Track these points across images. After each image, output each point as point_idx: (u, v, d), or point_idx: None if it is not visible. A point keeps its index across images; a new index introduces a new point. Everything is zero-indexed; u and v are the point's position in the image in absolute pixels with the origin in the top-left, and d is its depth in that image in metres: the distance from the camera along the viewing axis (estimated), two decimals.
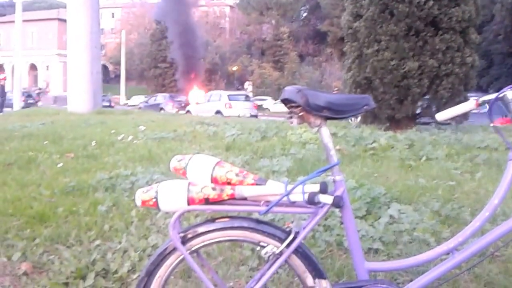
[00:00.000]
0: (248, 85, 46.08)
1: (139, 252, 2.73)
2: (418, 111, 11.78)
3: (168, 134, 7.90)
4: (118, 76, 57.06)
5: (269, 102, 39.04)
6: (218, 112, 23.46)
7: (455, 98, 10.51)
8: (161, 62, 51.80)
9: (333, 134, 7.65)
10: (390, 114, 11.15)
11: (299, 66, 51.96)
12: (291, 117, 1.59)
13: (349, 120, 12.86)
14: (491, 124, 1.69)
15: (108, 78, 62.03)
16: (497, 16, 37.80)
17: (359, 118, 12.41)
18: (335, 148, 6.11)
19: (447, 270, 1.60)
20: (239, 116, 21.04)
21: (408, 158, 5.89)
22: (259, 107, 31.23)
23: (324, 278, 1.57)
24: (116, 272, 2.57)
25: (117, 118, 11.89)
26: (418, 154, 6.11)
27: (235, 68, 54.18)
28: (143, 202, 1.60)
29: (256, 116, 24.29)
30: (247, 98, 27.39)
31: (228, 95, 25.28)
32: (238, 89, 46.44)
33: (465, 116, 11.15)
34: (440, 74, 10.71)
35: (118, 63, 56.34)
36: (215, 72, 53.62)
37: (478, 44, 11.61)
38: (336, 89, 32.83)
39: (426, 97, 11.43)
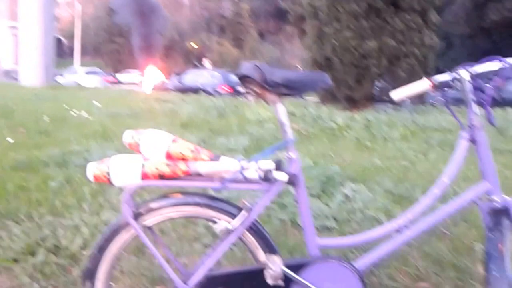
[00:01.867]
0: (206, 63, 45.67)
1: (91, 228, 2.69)
2: (376, 92, 11.94)
3: (124, 110, 7.78)
4: (72, 50, 55.59)
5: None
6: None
7: (413, 79, 10.63)
8: (117, 37, 50.55)
9: (292, 114, 7.68)
10: (349, 94, 11.26)
11: (259, 44, 51.76)
12: (247, 93, 1.57)
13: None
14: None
15: (62, 52, 60.32)
16: None
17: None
18: (293, 127, 6.15)
19: (396, 247, 1.63)
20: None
21: (364, 138, 5.98)
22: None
23: (276, 254, 1.58)
24: (67, 248, 2.53)
25: (71, 94, 11.62)
26: (374, 134, 6.21)
27: (194, 45, 53.55)
28: (96, 177, 1.56)
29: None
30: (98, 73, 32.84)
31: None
32: (196, 67, 45.97)
33: (421, 98, 11.38)
34: (399, 55, 10.83)
35: (72, 37, 54.82)
36: (173, 48, 52.86)
37: (438, 26, 11.77)
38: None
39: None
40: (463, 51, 38.35)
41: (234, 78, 20.38)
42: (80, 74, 30.99)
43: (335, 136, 6.13)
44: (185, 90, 19.76)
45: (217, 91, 20.26)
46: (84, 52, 53.57)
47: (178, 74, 25.04)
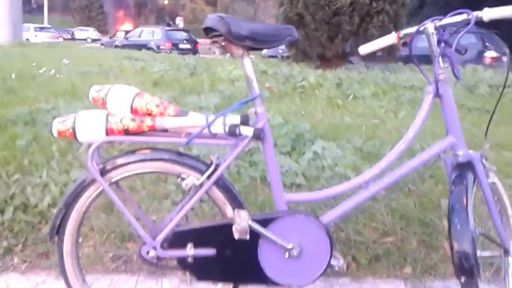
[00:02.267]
0: (179, 21, 44.86)
1: (60, 186, 2.67)
2: (348, 49, 11.91)
3: (93, 68, 7.64)
4: (40, 7, 54.00)
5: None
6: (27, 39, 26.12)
7: None
8: None
9: (264, 72, 7.64)
10: (321, 52, 11.21)
11: (232, 2, 50.98)
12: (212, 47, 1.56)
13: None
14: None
15: (30, 8, 58.55)
16: None
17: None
18: (265, 85, 6.11)
19: (361, 201, 1.66)
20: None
21: (336, 97, 5.99)
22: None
23: (243, 209, 1.59)
24: (36, 206, 2.52)
25: (40, 51, 11.35)
26: (345, 93, 6.23)
27: (166, 2, 52.47)
28: (60, 133, 1.54)
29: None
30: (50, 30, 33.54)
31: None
32: (168, 25, 45.15)
33: (393, 57, 11.41)
34: (371, 12, 10.77)
35: None
36: (144, 6, 51.74)
37: None
38: None
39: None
40: (434, 8, 38.31)
41: (175, 35, 23.58)
42: (30, 31, 31.31)
43: (306, 94, 6.13)
44: (130, 47, 20.18)
45: (159, 48, 21.26)
46: (52, 9, 52.12)
47: (126, 32, 26.36)
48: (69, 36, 40.18)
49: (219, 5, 49.19)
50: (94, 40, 34.23)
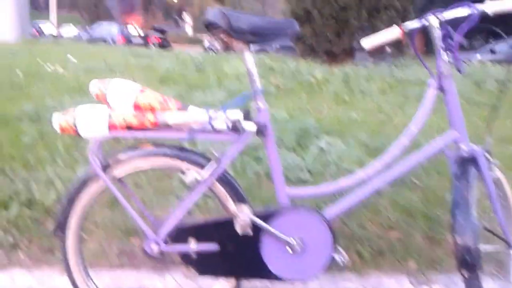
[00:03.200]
0: (186, 17, 44.84)
1: (65, 182, 2.67)
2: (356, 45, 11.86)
3: (99, 65, 7.64)
4: (46, 3, 54.18)
5: None
6: None
7: None
8: None
9: (270, 68, 7.62)
10: (328, 48, 11.18)
11: None
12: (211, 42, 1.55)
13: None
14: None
15: (37, 4, 58.74)
16: None
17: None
18: (272, 81, 6.09)
19: (365, 196, 1.65)
20: None
21: (343, 92, 5.95)
22: None
23: (245, 203, 1.59)
24: (41, 202, 2.53)
25: (46, 48, 11.36)
26: (352, 88, 6.19)
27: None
28: (62, 129, 1.55)
29: None
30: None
31: None
32: (175, 21, 45.18)
33: (400, 52, 11.35)
34: (379, 7, 10.74)
35: None
36: (152, 2, 51.76)
37: None
38: None
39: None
40: (444, 4, 38.06)
41: (129, 30, 27.38)
42: None
43: (313, 90, 6.09)
44: (93, 40, 24.01)
45: (114, 41, 24.52)
46: (60, 5, 52.28)
47: (89, 27, 29.95)
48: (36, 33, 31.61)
49: (226, 1, 49.07)
50: (55, 37, 32.98)
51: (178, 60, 8.39)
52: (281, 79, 6.69)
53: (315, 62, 10.04)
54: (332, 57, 11.29)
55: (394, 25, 1.71)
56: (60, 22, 44.03)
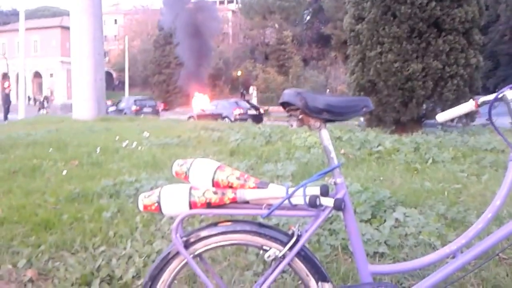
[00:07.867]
0: (252, 90, 45.96)
1: (144, 257, 2.72)
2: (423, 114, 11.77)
3: (173, 140, 7.92)
4: (122, 83, 57.20)
5: None
6: None
7: (461, 100, 10.47)
8: (165, 68, 51.64)
9: (338, 138, 7.65)
10: (395, 117, 11.15)
11: (304, 70, 51.74)
12: (290, 120, 1.59)
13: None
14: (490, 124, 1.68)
15: (113, 85, 62.17)
16: (502, 17, 37.59)
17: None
18: (340, 152, 6.09)
19: (450, 273, 1.59)
20: None
21: (414, 161, 5.86)
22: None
23: (327, 281, 1.56)
24: (121, 278, 2.57)
25: (122, 125, 11.91)
26: (423, 157, 6.09)
27: (239, 73, 54.08)
28: (145, 207, 1.60)
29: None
30: None
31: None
32: (242, 94, 46.32)
33: (471, 118, 11.13)
34: (444, 76, 10.69)
35: (121, 70, 56.48)
36: (219, 77, 53.55)
37: (483, 45, 11.59)
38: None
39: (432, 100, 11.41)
40: (510, 70, 37.31)
41: (145, 102, 32.91)
42: None
43: (383, 159, 6.04)
44: (119, 112, 29.08)
45: (132, 112, 29.88)
46: (133, 84, 55.03)
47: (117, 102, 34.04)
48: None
49: (290, 74, 50.06)
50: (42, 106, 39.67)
51: (247, 133, 8.56)
52: (350, 149, 6.68)
53: (382, 131, 9.99)
54: (400, 125, 11.22)
55: (470, 100, 1.68)
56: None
